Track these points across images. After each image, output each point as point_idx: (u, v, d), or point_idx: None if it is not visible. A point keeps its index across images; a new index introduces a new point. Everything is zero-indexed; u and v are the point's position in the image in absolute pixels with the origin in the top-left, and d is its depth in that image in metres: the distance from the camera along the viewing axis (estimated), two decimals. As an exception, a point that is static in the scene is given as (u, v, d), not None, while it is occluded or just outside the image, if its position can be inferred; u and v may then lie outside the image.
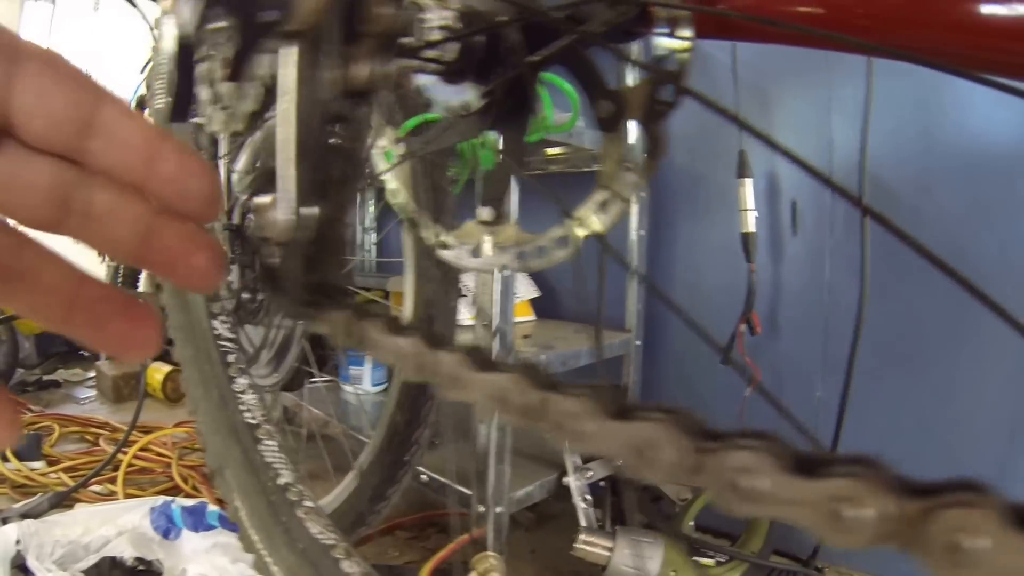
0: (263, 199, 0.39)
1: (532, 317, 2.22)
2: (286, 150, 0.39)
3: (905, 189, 1.69)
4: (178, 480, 2.06)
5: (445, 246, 0.66)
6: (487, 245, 0.62)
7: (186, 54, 0.54)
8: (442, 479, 1.72)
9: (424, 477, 1.74)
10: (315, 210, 0.40)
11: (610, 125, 0.55)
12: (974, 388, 1.61)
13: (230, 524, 1.44)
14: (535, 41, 0.58)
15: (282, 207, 0.39)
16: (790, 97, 1.87)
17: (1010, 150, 1.54)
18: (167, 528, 1.45)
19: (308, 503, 0.98)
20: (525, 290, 2.22)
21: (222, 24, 0.42)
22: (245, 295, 0.96)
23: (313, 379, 1.64)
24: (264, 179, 0.40)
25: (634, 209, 2.05)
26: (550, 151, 1.87)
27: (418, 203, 1.02)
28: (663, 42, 0.53)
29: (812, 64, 1.80)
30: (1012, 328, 0.33)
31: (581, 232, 0.56)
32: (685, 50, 0.52)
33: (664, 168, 2.07)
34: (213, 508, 1.50)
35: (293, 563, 0.93)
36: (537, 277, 2.26)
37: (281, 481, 1.01)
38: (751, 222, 1.78)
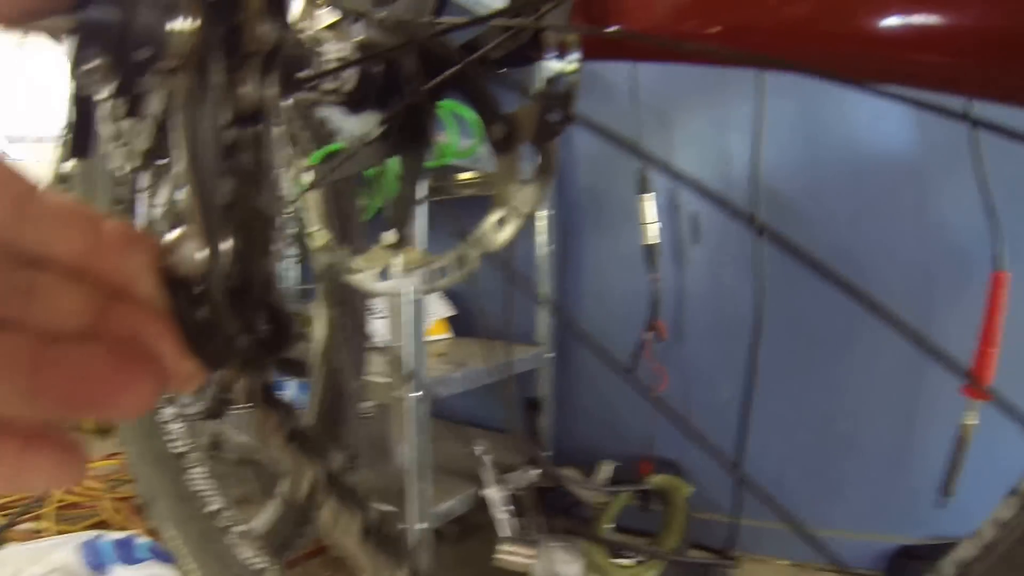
0: (170, 235, 0.39)
1: (448, 335, 2.24)
2: (184, 183, 0.40)
3: (796, 197, 1.79)
4: (108, 513, 2.02)
5: (352, 270, 0.68)
6: (393, 268, 0.64)
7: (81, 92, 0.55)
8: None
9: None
10: (229, 243, 0.40)
11: (503, 147, 0.58)
12: (867, 381, 1.71)
13: (161, 555, 1.43)
14: (432, 69, 0.61)
15: (192, 241, 0.38)
16: (689, 117, 1.96)
17: (892, 158, 1.65)
18: (98, 563, 1.43)
19: (238, 528, 0.99)
20: (441, 309, 2.25)
21: (96, 64, 0.43)
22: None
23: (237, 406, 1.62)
24: (176, 216, 0.41)
25: (543, 225, 2.11)
26: (460, 176, 1.90)
27: (329, 229, 1.03)
28: (552, 65, 0.55)
29: (709, 85, 1.89)
30: (894, 327, 0.36)
31: (476, 252, 0.59)
32: (573, 72, 0.54)
33: (571, 186, 2.15)
34: (143, 540, 1.48)
35: None
36: (453, 296, 2.29)
37: (211, 508, 1.02)
38: (653, 235, 1.86)
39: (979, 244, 1.45)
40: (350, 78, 0.63)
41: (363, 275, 0.67)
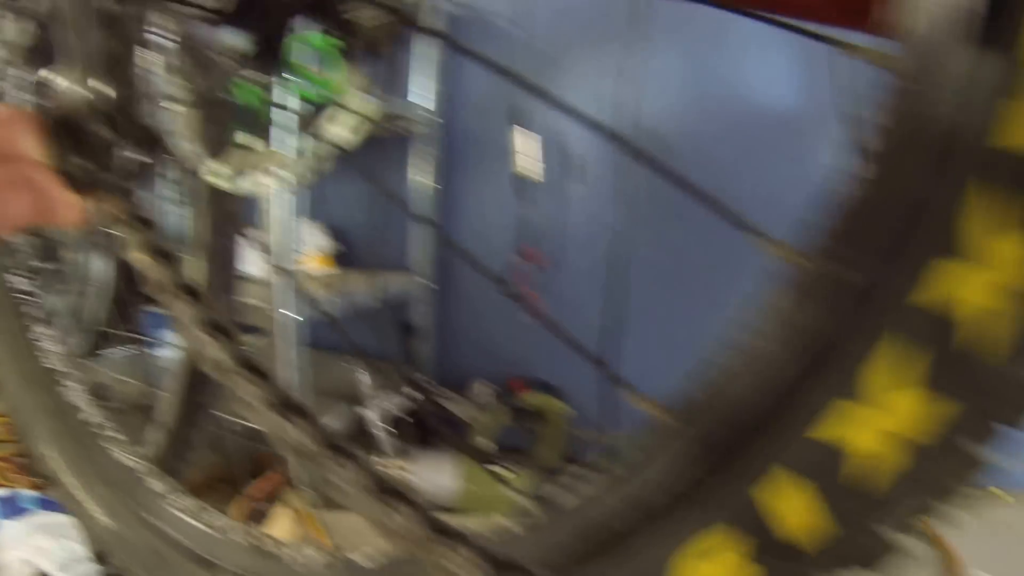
0: (48, 73, 0.44)
1: (333, 269, 2.27)
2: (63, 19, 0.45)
3: (681, 142, 1.88)
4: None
5: (215, 174, 0.73)
6: (247, 167, 0.70)
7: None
8: (251, 424, 1.76)
9: (237, 427, 1.77)
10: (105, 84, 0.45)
11: (347, 55, 0.64)
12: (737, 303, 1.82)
13: (48, 504, 1.43)
14: None
15: (71, 84, 0.44)
16: (577, 64, 2.03)
17: (773, 107, 1.77)
18: (-18, 520, 1.41)
19: (114, 434, 0.99)
20: (326, 244, 2.27)
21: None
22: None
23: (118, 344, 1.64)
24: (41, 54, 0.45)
25: (426, 158, 2.17)
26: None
27: (198, 143, 1.06)
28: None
29: (597, 33, 1.97)
30: (764, 246, 0.41)
31: (321, 148, 0.65)
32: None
33: (456, 124, 2.21)
34: (27, 492, 1.47)
35: (108, 496, 0.94)
36: (338, 231, 2.31)
37: (87, 418, 1.02)
38: (528, 166, 1.94)
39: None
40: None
41: (224, 177, 0.72)
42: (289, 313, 1.66)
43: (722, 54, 1.81)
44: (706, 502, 0.39)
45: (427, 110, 2.14)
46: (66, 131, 0.44)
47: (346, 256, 2.33)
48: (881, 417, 0.33)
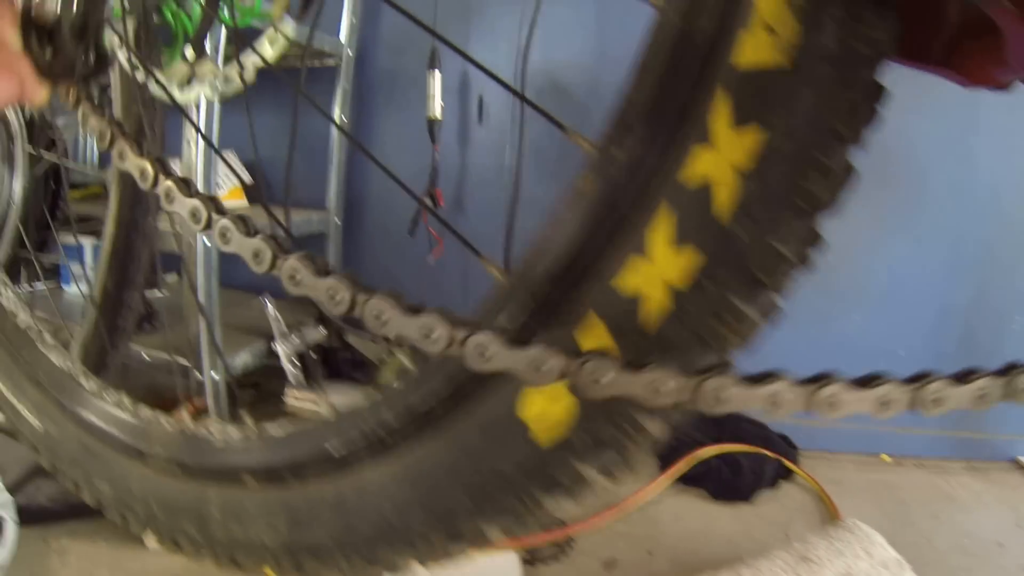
0: None
1: (243, 202, 2.28)
2: None
3: (578, 92, 1.99)
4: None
5: (157, 82, 0.80)
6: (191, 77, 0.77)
7: None
8: (164, 355, 1.81)
9: (147, 358, 1.82)
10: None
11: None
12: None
13: None
14: None
15: None
16: (488, 8, 2.11)
17: None
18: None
19: (47, 339, 1.00)
20: (236, 178, 2.28)
21: None
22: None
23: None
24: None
25: (338, 98, 2.21)
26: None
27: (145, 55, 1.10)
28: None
29: None
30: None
31: (251, 61, 0.73)
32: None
33: (368, 64, 2.26)
34: None
35: (39, 398, 0.97)
36: (248, 165, 2.33)
37: (20, 323, 1.04)
38: (437, 110, 2.01)
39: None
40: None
41: (166, 84, 0.79)
42: (207, 242, 1.70)
43: (624, 5, 1.89)
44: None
45: (344, 45, 2.18)
46: (38, 28, 0.53)
47: (257, 191, 2.36)
48: (659, 268, 0.44)
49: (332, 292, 0.49)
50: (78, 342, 1.51)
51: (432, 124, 2.01)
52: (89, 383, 0.91)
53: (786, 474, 1.82)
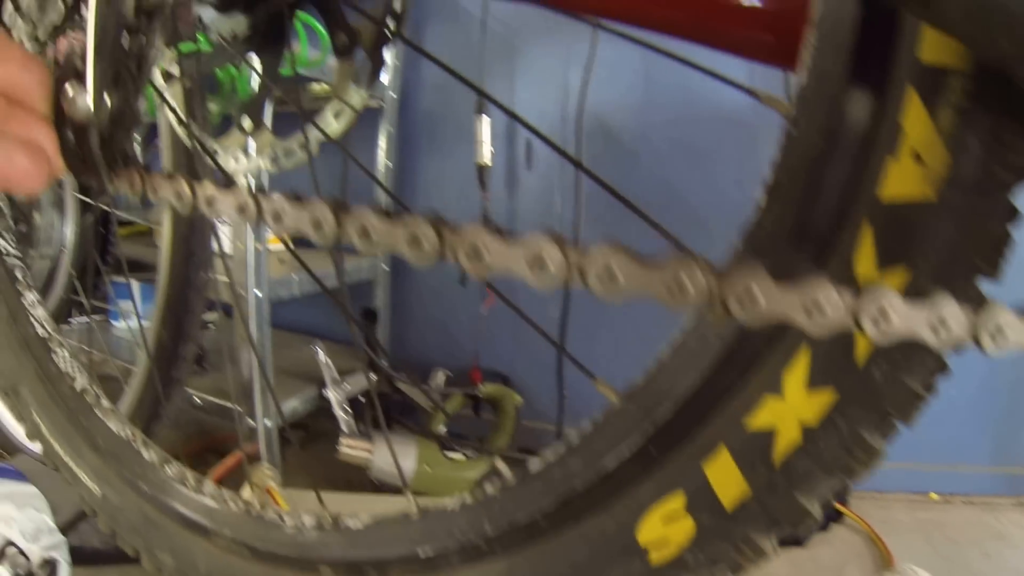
0: (69, 89, 0.52)
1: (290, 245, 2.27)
2: (89, 50, 0.52)
3: (626, 136, 1.97)
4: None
5: (213, 153, 0.79)
6: (248, 149, 0.76)
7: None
8: (215, 400, 1.83)
9: (197, 401, 1.83)
10: (110, 98, 0.53)
11: (344, 52, 0.71)
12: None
13: (11, 474, 1.44)
14: None
15: (84, 94, 0.51)
16: (533, 49, 2.09)
17: (718, 106, 1.84)
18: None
19: (104, 403, 1.01)
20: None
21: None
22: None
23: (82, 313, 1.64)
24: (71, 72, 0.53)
25: (383, 142, 2.22)
26: (315, 88, 1.96)
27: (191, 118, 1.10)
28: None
29: (552, 21, 1.99)
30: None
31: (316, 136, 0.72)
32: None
33: (413, 106, 2.26)
34: None
35: (97, 463, 0.97)
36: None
37: (77, 387, 1.03)
38: (487, 156, 1.99)
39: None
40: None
41: (222, 156, 0.79)
42: (257, 285, 1.72)
43: (674, 47, 1.88)
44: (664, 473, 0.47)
45: (387, 88, 2.19)
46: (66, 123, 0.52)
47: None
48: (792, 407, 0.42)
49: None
50: (132, 393, 1.52)
51: (482, 170, 2.00)
52: (150, 453, 0.91)
53: (837, 516, 1.78)
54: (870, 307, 0.34)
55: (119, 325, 2.34)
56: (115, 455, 0.93)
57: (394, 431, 1.90)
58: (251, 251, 1.70)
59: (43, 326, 1.09)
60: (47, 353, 1.07)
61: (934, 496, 1.93)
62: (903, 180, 0.39)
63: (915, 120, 0.38)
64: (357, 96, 0.71)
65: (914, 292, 0.38)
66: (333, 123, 0.73)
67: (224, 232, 1.76)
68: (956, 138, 0.38)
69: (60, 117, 0.51)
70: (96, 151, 0.53)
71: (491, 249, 0.44)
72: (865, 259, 0.40)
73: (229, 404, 1.78)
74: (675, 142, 1.91)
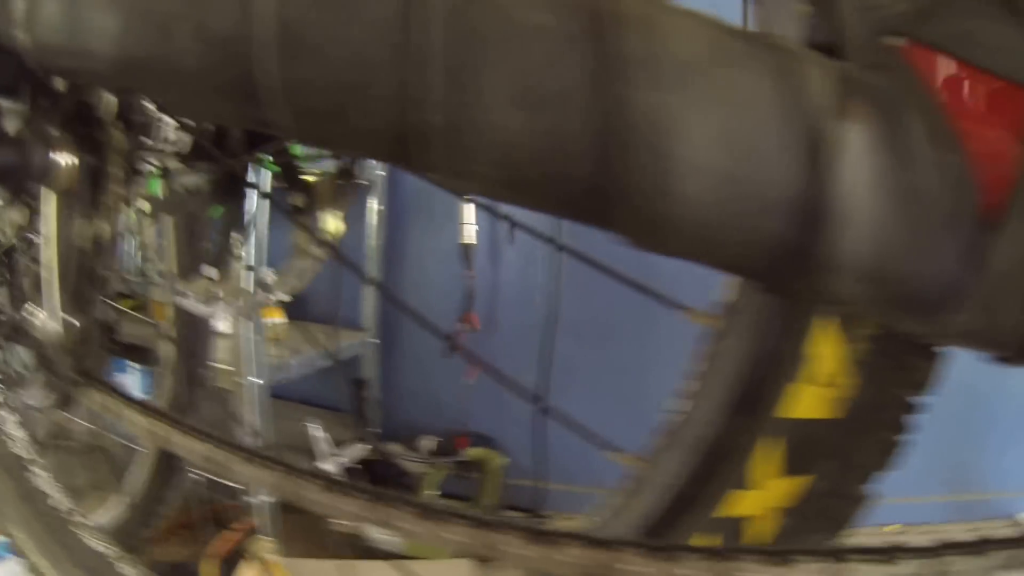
0: (31, 313, 0.58)
1: (282, 319, 2.35)
2: (50, 273, 0.58)
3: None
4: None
5: (182, 294, 0.85)
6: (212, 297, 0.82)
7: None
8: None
9: (199, 478, 1.85)
10: (76, 322, 0.59)
11: (301, 212, 0.77)
12: (658, 365, 1.95)
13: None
14: (255, 138, 0.78)
15: (47, 317, 0.57)
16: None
17: None
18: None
19: (82, 521, 1.03)
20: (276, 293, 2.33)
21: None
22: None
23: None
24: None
25: (373, 220, 2.29)
26: (307, 175, 2.03)
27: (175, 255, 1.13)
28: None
29: None
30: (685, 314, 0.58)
31: (280, 287, 0.78)
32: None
33: (400, 185, 2.32)
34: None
35: None
36: (289, 283, 2.39)
37: (55, 504, 1.05)
38: (470, 235, 2.07)
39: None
40: (185, 143, 0.80)
41: (188, 300, 0.84)
42: (253, 373, 1.80)
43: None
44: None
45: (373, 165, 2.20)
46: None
47: (295, 306, 2.40)
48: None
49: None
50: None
51: (466, 249, 2.08)
52: (130, 569, 0.94)
53: None
54: None
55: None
56: (95, 570, 0.97)
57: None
58: (248, 340, 1.77)
59: (17, 445, 1.11)
60: (23, 471, 1.10)
61: (894, 528, 1.94)
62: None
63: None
64: (317, 253, 0.77)
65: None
66: (291, 280, 0.80)
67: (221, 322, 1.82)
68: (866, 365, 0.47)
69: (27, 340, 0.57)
70: (64, 372, 0.59)
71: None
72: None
73: (231, 483, 1.83)
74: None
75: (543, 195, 0.33)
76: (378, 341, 2.37)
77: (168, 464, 1.50)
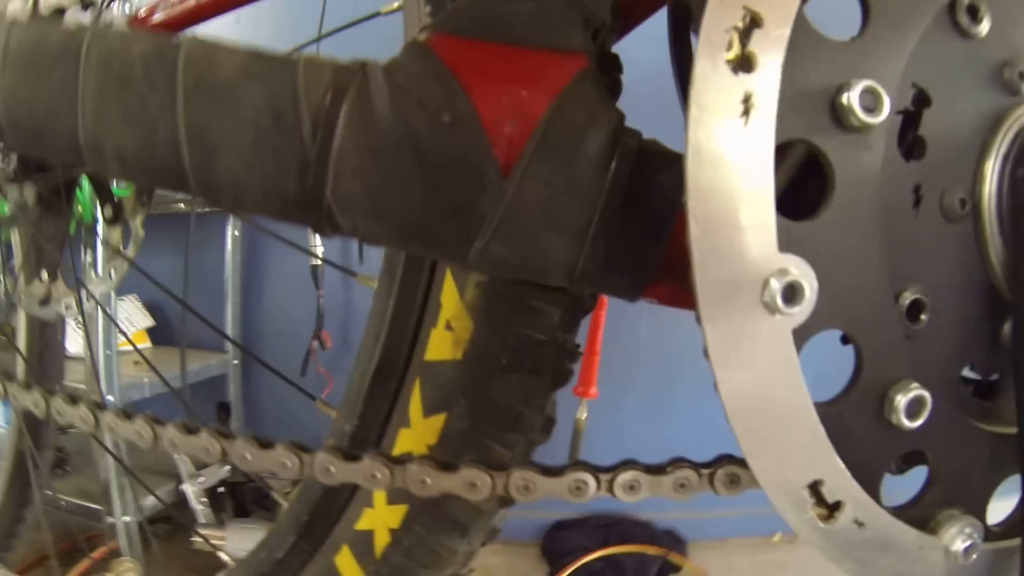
0: None
1: (148, 344, 2.39)
2: None
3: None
4: None
5: (19, 298, 0.94)
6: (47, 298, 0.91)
7: None
8: (77, 501, 1.92)
9: (63, 503, 1.89)
10: None
11: (111, 222, 0.88)
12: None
13: None
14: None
15: None
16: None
17: None
18: None
19: None
20: (140, 319, 2.42)
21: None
22: None
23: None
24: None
25: (229, 245, 2.37)
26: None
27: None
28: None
29: None
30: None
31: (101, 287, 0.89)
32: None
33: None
34: None
35: None
36: (152, 308, 2.47)
37: None
38: (318, 255, 2.15)
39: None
40: (11, 162, 0.89)
41: (26, 302, 0.93)
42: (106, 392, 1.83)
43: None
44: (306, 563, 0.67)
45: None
46: None
47: (160, 332, 2.48)
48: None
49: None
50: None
51: (315, 270, 2.19)
52: None
53: (675, 568, 1.88)
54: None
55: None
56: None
57: (246, 516, 2.02)
58: (101, 357, 1.81)
59: None
60: None
61: (777, 538, 2.01)
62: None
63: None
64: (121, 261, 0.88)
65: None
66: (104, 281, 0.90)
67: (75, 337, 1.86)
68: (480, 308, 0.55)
69: None
70: None
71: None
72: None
73: (91, 504, 1.88)
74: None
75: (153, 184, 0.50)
76: (238, 362, 2.44)
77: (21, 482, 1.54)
